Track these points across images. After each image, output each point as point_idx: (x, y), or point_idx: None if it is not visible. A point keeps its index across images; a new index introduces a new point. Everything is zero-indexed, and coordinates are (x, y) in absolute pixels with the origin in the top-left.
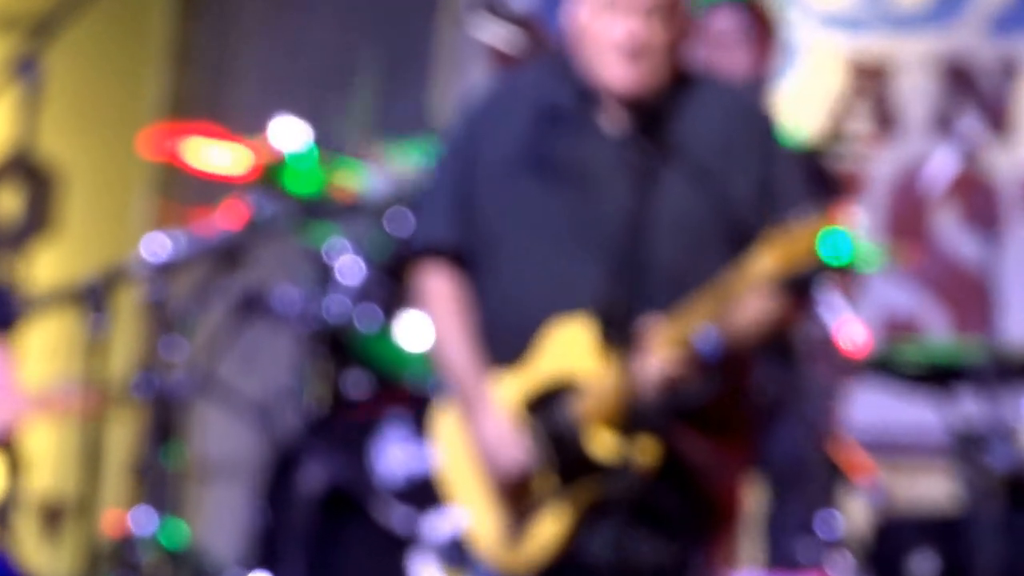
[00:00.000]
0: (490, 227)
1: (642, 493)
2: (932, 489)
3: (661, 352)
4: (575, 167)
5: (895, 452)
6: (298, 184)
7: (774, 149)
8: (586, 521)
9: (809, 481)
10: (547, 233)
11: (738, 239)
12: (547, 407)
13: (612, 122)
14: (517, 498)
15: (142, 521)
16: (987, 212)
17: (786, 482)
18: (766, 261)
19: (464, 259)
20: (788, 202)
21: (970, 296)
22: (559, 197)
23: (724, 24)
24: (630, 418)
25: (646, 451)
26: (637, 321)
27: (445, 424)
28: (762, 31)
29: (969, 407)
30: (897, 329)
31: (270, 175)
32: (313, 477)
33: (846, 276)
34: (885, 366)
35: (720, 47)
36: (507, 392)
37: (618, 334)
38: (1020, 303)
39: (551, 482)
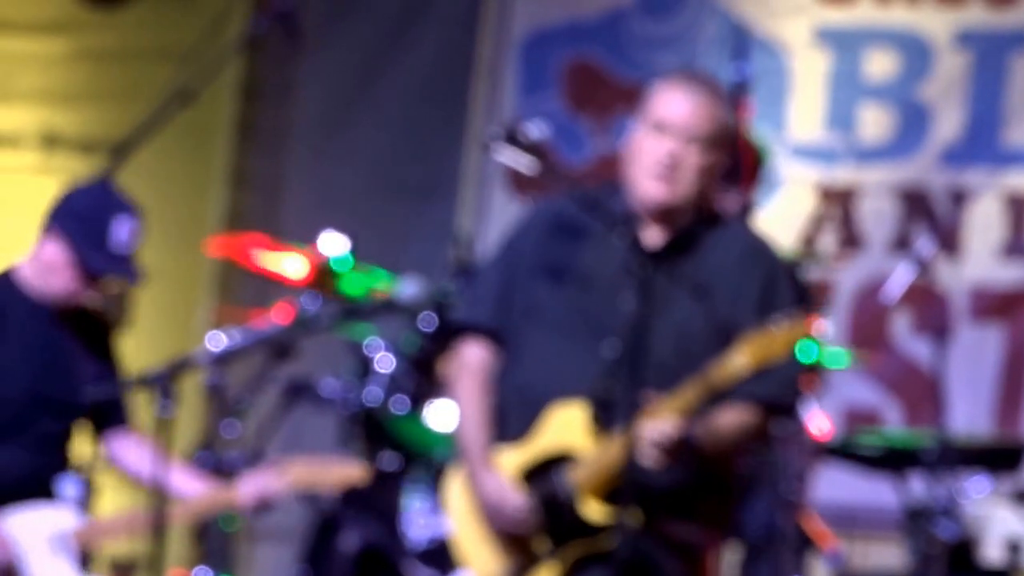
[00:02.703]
0: (521, 320)
1: (631, 548)
2: (885, 556)
3: (652, 426)
4: (597, 276)
5: (854, 524)
6: (343, 288)
7: (778, 286)
8: (575, 571)
9: (780, 547)
10: (563, 330)
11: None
12: (544, 474)
13: (644, 237)
14: (517, 551)
15: None
16: (938, 320)
17: (760, 547)
18: (743, 357)
19: (499, 340)
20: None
21: (921, 392)
22: (578, 300)
23: None
24: (620, 490)
25: (632, 517)
26: (627, 407)
27: (454, 488)
28: (748, 167)
29: (918, 487)
30: (858, 420)
31: (320, 279)
32: (350, 539)
33: (814, 374)
34: (847, 451)
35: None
36: (507, 462)
37: (608, 418)
38: (964, 399)
39: (545, 539)
